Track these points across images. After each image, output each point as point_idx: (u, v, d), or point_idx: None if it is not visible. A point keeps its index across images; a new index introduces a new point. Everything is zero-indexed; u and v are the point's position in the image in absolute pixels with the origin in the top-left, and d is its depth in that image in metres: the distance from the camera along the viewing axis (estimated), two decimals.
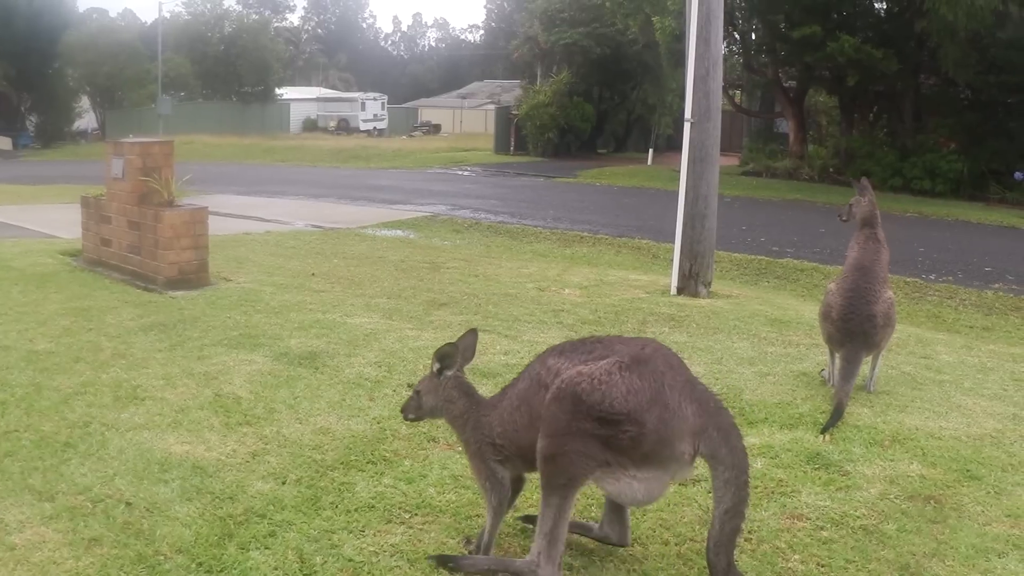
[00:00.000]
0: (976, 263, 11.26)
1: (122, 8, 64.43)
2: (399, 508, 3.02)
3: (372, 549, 2.74)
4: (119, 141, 7.45)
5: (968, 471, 3.47)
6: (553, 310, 6.35)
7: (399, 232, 12.19)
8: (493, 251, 10.58)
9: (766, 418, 4.02)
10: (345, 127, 47.16)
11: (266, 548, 2.74)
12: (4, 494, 3.10)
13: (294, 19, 77.95)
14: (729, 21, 20.47)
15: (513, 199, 17.75)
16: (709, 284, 7.47)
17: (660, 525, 2.94)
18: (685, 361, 2.57)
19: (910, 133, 21.71)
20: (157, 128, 32.57)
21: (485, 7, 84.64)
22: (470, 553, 2.71)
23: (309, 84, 61.75)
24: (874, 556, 2.80)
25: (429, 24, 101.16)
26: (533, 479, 2.73)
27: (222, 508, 3.00)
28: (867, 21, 21.73)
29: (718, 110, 7.45)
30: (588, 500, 3.06)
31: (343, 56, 76.58)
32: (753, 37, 24.46)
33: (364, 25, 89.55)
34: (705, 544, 2.48)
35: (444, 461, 3.41)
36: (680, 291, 7.36)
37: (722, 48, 7.68)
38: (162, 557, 2.68)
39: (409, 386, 2.90)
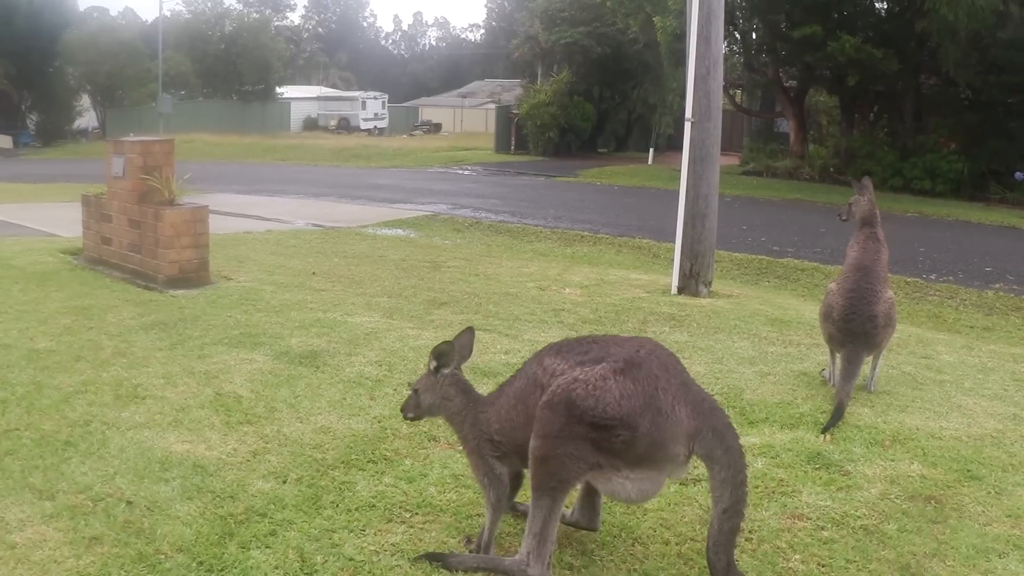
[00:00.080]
0: (976, 263, 11.26)
1: (123, 6, 64.78)
2: (400, 507, 3.02)
3: (373, 548, 2.74)
4: (120, 140, 7.45)
5: (969, 471, 3.47)
6: (554, 309, 6.35)
7: (400, 231, 12.19)
8: (494, 250, 10.58)
9: (767, 418, 4.02)
10: (346, 126, 47.16)
11: (267, 547, 2.74)
12: (5, 492, 3.10)
13: (295, 18, 78.03)
14: (730, 20, 20.44)
15: (514, 198, 17.75)
16: (710, 284, 7.47)
17: (661, 524, 2.95)
18: (686, 361, 2.58)
19: (910, 133, 21.71)
20: (158, 127, 32.50)
21: (486, 6, 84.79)
22: (471, 552, 2.72)
23: (310, 83, 61.72)
24: (875, 556, 2.80)
25: (430, 23, 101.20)
26: None
27: (223, 507, 3.00)
28: (868, 21, 21.73)
29: (719, 110, 7.45)
30: None
31: (344, 55, 76.54)
32: (754, 37, 24.46)
33: (365, 24, 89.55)
34: (705, 544, 2.49)
35: (445, 460, 3.42)
36: (681, 291, 7.36)
37: (723, 47, 7.68)
38: (163, 556, 2.68)
39: (409, 385, 2.91)
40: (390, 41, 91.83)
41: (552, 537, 2.47)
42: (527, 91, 32.34)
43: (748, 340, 5.59)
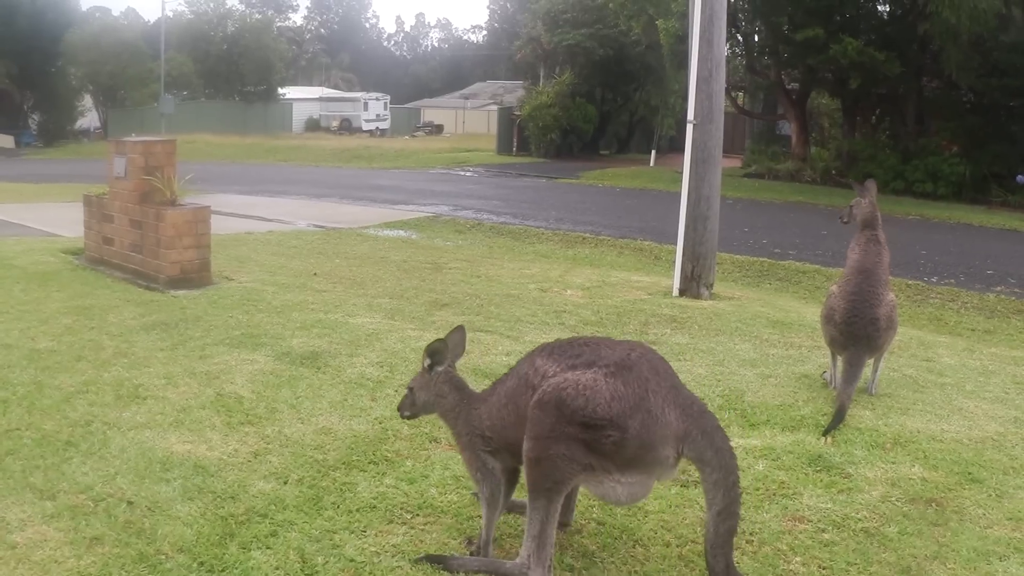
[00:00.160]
0: (978, 266, 11.25)
1: (125, 7, 64.30)
2: (401, 508, 3.02)
3: (374, 549, 2.74)
4: (121, 140, 7.45)
5: (970, 474, 3.47)
6: (555, 311, 6.35)
7: (401, 232, 12.19)
8: (495, 252, 10.58)
9: (768, 420, 4.02)
10: (348, 127, 47.21)
11: (267, 548, 2.74)
12: (5, 492, 3.10)
13: (297, 19, 78.08)
14: (732, 23, 20.47)
15: (515, 200, 17.75)
16: (711, 286, 7.47)
17: (661, 527, 2.95)
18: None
19: (912, 136, 21.71)
20: (159, 127, 32.58)
21: (488, 8, 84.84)
22: (472, 552, 2.72)
23: (312, 84, 61.80)
24: (875, 559, 2.80)
25: (432, 24, 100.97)
26: None
27: (224, 508, 3.00)
28: (870, 24, 21.75)
29: (721, 112, 7.45)
30: (590, 500, 3.06)
31: (346, 56, 76.61)
32: (756, 39, 24.47)
33: (367, 25, 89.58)
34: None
35: (446, 462, 3.42)
36: (682, 293, 7.36)
37: (725, 50, 7.68)
38: (163, 556, 2.68)
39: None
40: (392, 42, 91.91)
41: (551, 539, 2.49)
42: (529, 93, 32.37)
43: (749, 342, 5.58)
